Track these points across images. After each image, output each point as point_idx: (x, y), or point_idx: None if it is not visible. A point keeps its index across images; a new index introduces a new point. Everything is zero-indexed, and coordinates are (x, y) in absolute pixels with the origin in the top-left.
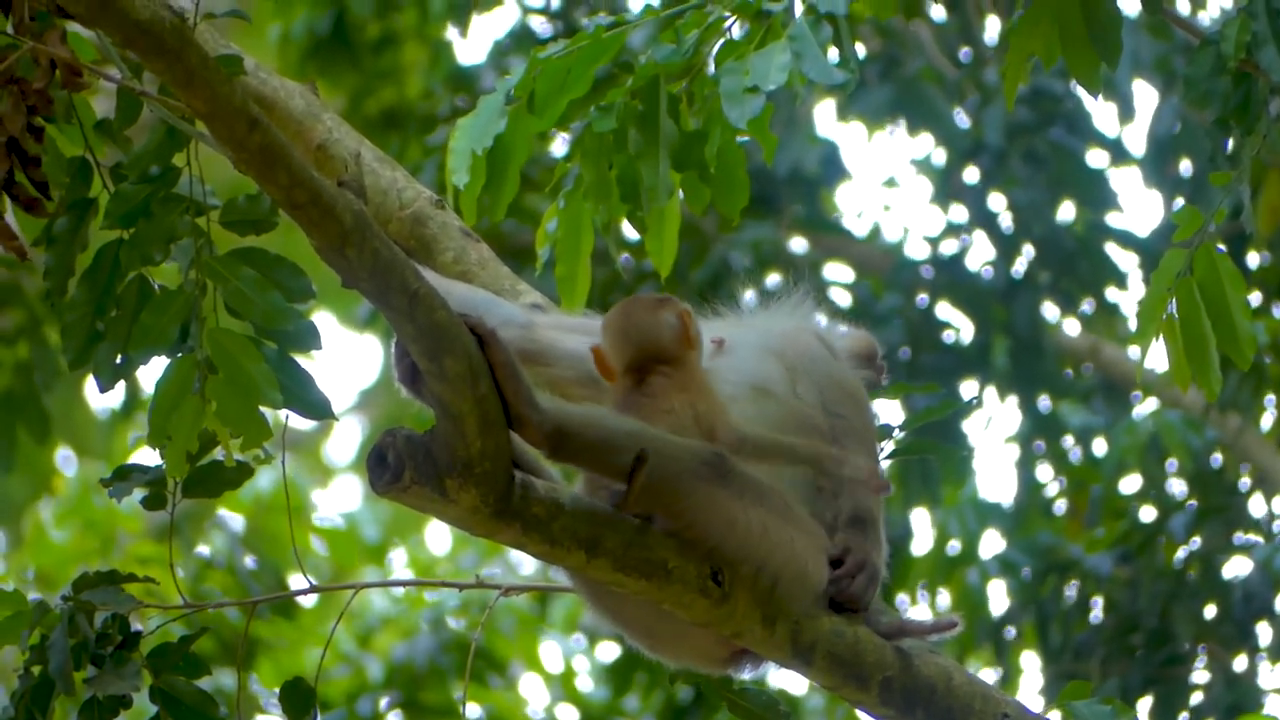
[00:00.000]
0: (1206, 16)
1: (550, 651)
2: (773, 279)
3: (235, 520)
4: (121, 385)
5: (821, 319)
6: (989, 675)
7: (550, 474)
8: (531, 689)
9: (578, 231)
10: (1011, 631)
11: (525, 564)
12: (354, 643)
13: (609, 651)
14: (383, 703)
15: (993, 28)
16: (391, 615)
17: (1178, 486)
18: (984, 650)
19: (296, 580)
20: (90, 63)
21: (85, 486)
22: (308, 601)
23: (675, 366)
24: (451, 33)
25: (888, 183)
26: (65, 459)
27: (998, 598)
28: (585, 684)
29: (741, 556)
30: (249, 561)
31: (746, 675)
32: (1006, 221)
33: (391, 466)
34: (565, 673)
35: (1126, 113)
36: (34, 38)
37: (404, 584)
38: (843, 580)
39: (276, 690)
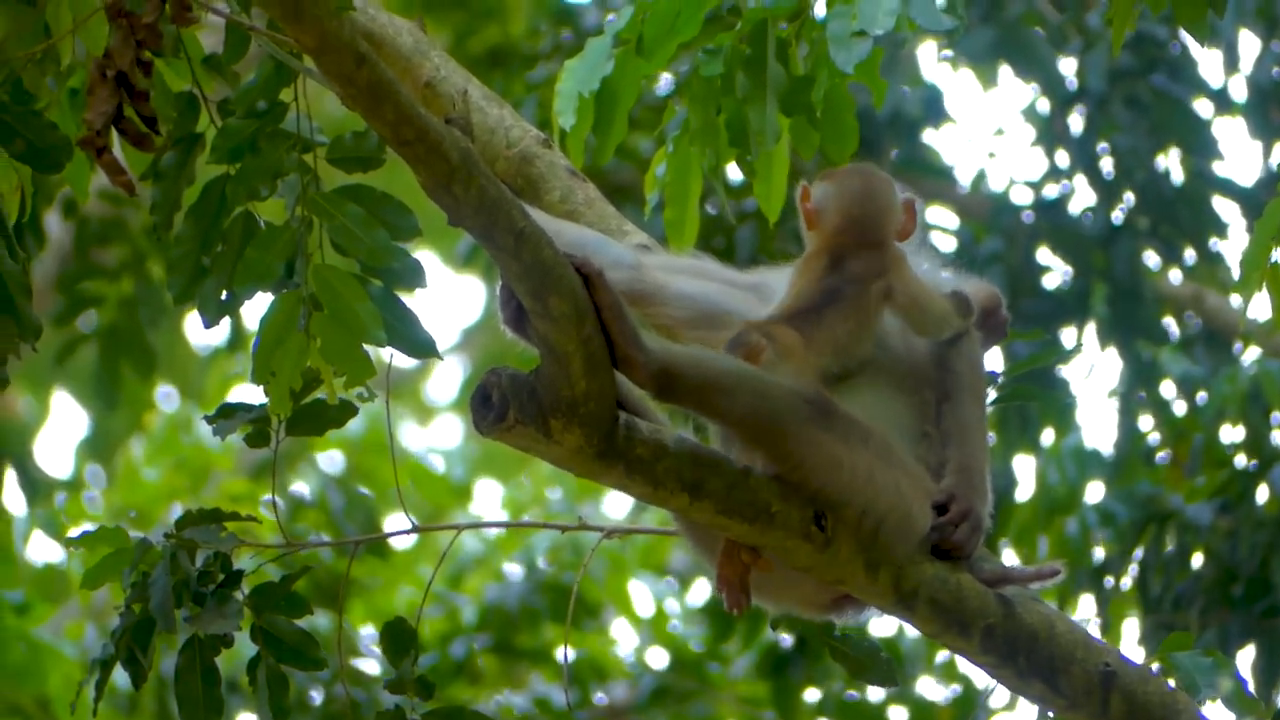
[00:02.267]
0: None
1: (640, 594)
2: None
3: (328, 459)
4: (225, 321)
5: (936, 265)
6: (1090, 624)
7: (657, 417)
8: (622, 632)
9: (686, 175)
10: (1110, 581)
11: (614, 506)
12: (444, 583)
13: (699, 594)
14: (475, 644)
15: None
16: (481, 555)
17: None
18: (1084, 598)
19: (391, 520)
20: None
21: (174, 423)
22: (402, 542)
23: (880, 254)
24: None
25: (996, 133)
26: (165, 395)
27: (1098, 546)
28: (676, 627)
29: (845, 499)
30: (338, 500)
31: (848, 620)
32: (1108, 167)
33: (496, 406)
34: (657, 616)
35: (1231, 60)
36: None
37: (507, 525)
38: (946, 528)
39: (370, 629)
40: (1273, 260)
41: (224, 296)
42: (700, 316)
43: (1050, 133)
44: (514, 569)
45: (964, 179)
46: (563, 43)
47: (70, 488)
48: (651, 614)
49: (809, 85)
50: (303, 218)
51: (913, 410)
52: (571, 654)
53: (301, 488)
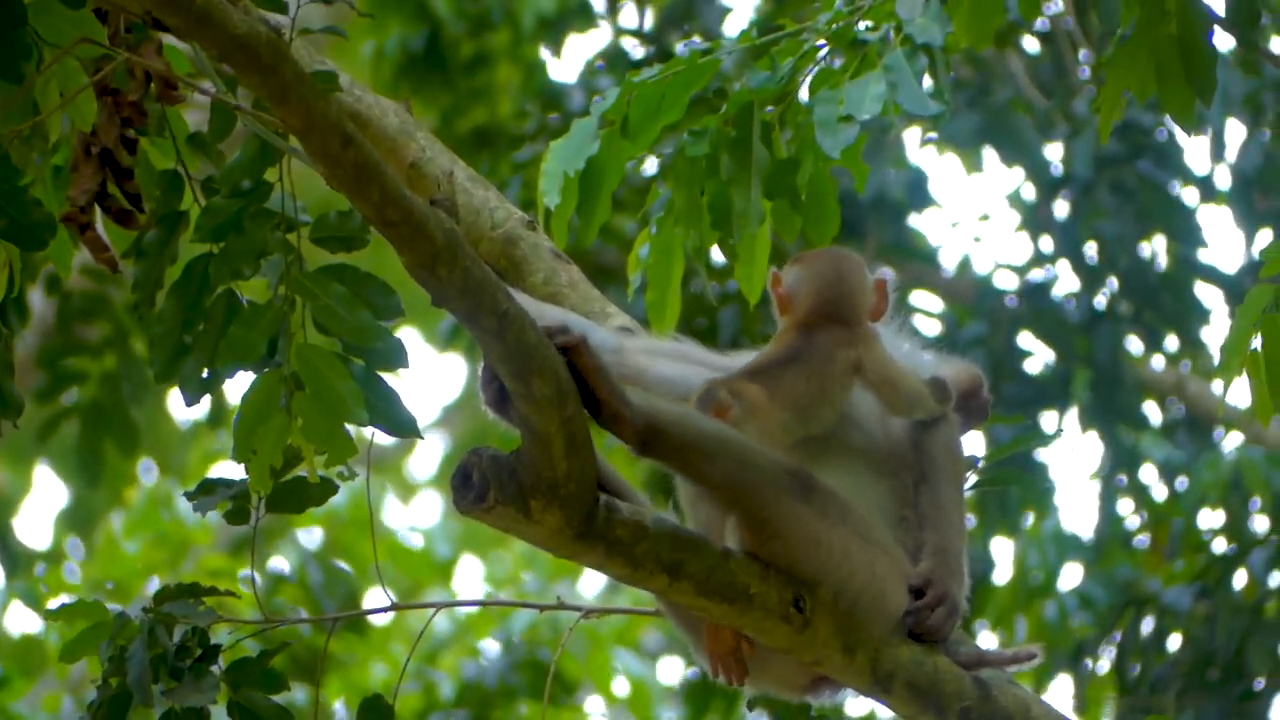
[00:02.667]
0: None
1: (617, 672)
2: None
3: (307, 535)
4: (207, 399)
5: (917, 347)
6: (1067, 707)
7: (638, 499)
8: (598, 709)
9: (669, 257)
10: (1087, 664)
11: (590, 584)
12: (420, 660)
13: (674, 672)
14: None
15: (1084, 59)
16: (456, 633)
17: (1261, 525)
18: (1060, 682)
19: (370, 597)
20: (185, 76)
21: (154, 498)
22: (380, 619)
23: (850, 330)
24: (544, 53)
25: (981, 218)
26: (146, 468)
27: (1075, 629)
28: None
29: (819, 576)
30: (317, 576)
31: (825, 701)
32: (1092, 253)
33: (476, 486)
34: (634, 693)
35: (1218, 149)
36: (129, 49)
37: (485, 604)
38: (922, 612)
39: (343, 705)
40: (1253, 347)
41: (205, 375)
42: (683, 399)
43: (1035, 218)
44: (491, 645)
45: (949, 263)
46: (549, 124)
47: (49, 559)
48: (628, 692)
49: (793, 168)
50: (286, 297)
51: (890, 493)
52: None
53: (281, 563)
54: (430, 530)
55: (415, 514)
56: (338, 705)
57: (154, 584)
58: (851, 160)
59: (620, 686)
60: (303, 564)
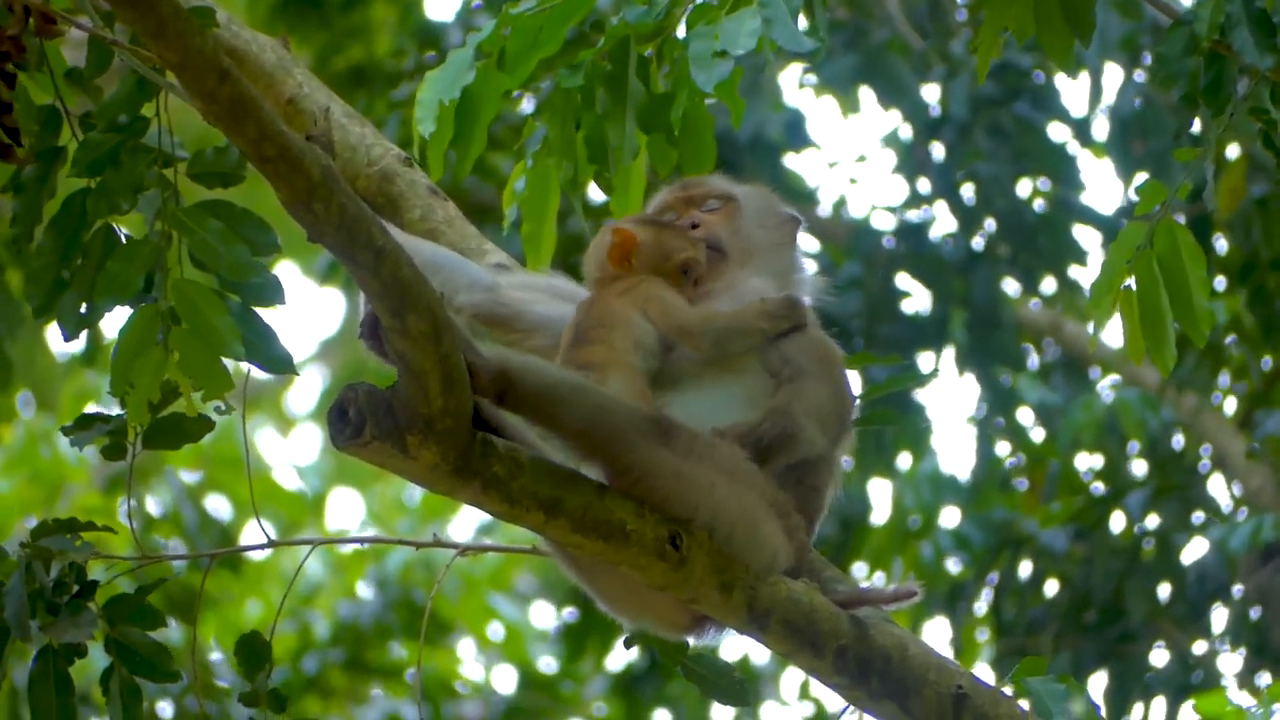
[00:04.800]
0: None
1: (486, 611)
2: None
3: (180, 473)
4: (85, 333)
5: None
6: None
7: (530, 443)
8: (471, 651)
9: (544, 191)
10: (964, 605)
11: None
12: (296, 601)
13: (546, 615)
14: (328, 659)
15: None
16: (332, 573)
17: (1139, 468)
18: (938, 623)
19: (247, 533)
20: (62, 11)
21: (32, 435)
22: (256, 556)
23: (623, 280)
24: None
25: (858, 159)
26: (25, 401)
27: (952, 571)
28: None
29: (689, 513)
30: (192, 514)
31: (704, 640)
32: (969, 194)
33: (353, 422)
34: (509, 636)
35: (1096, 91)
36: None
37: (360, 541)
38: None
39: (218, 642)
40: (1126, 284)
41: (84, 309)
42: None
43: (912, 159)
44: (366, 587)
45: (826, 204)
46: (426, 62)
47: None
48: (503, 636)
49: (668, 103)
50: (163, 232)
51: (747, 392)
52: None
53: (154, 501)
54: (305, 469)
55: (293, 449)
56: (213, 643)
57: (30, 522)
58: (727, 95)
59: (495, 630)
60: (177, 503)
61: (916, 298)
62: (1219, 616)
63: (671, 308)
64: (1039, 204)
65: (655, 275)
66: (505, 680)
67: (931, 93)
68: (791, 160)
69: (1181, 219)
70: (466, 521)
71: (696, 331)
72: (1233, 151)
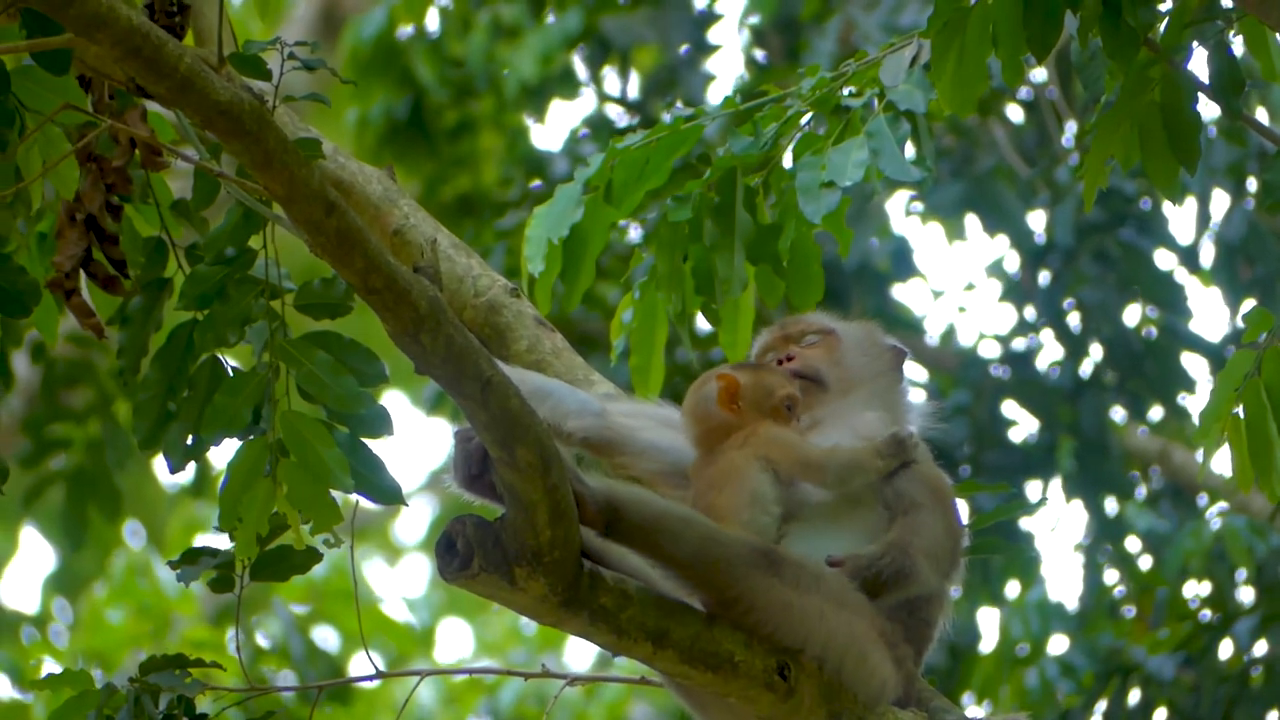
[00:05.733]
0: None
1: None
2: None
3: (289, 605)
4: (192, 465)
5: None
6: None
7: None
8: None
9: (652, 322)
10: None
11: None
12: None
13: None
14: None
15: (1067, 128)
16: (443, 704)
17: (1247, 595)
18: None
19: (355, 664)
20: (169, 143)
21: (131, 567)
22: (366, 687)
23: (735, 430)
24: (528, 120)
25: (966, 287)
26: (133, 531)
27: (1060, 698)
28: None
29: (799, 642)
30: (300, 646)
31: None
32: (1075, 322)
33: (460, 554)
34: None
35: (1202, 217)
36: (113, 116)
37: (469, 671)
38: (875, 561)
39: None
40: (1234, 412)
41: (190, 441)
42: (672, 468)
43: (1018, 287)
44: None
45: (933, 333)
46: (532, 191)
47: (37, 623)
48: None
49: (776, 234)
50: (270, 364)
51: (864, 522)
52: None
53: (263, 633)
54: (414, 601)
55: (402, 579)
56: None
57: (139, 655)
58: (835, 226)
59: None
60: (286, 634)
61: (1024, 425)
62: None
63: (793, 445)
64: (1146, 331)
65: (762, 416)
66: None
67: (1037, 220)
68: (899, 290)
69: None
70: (583, 651)
71: (819, 466)
72: None
